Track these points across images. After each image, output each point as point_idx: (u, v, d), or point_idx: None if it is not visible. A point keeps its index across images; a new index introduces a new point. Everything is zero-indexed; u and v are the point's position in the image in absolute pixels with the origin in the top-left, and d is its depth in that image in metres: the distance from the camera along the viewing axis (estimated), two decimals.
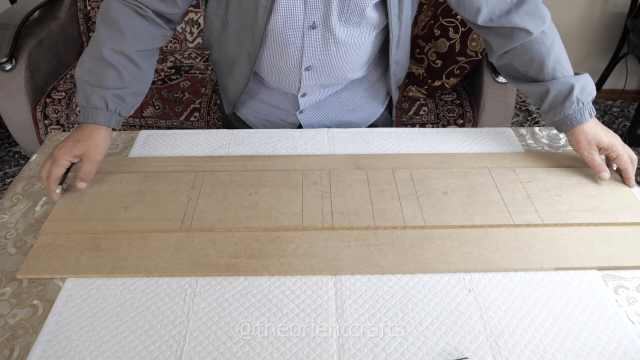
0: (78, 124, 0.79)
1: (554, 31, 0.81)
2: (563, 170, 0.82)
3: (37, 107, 1.71)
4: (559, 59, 0.81)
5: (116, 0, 0.79)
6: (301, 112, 0.97)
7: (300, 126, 1.00)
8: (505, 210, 0.73)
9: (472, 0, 0.80)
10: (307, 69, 0.86)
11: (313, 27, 0.80)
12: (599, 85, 2.41)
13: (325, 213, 0.72)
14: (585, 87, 0.79)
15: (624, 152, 0.78)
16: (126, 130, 0.91)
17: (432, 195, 0.75)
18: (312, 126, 1.00)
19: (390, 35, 0.85)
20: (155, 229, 0.70)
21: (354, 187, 0.77)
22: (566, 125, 0.80)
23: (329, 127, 1.00)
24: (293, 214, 0.72)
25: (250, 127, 1.04)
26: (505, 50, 0.84)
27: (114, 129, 0.80)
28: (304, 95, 0.93)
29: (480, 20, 0.82)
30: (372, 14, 0.81)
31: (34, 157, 0.88)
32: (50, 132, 1.70)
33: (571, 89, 0.78)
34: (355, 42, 0.85)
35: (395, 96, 1.06)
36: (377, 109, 1.05)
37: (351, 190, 0.77)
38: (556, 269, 0.64)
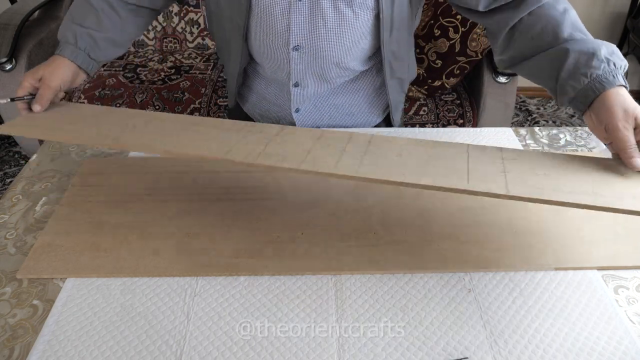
0: None
1: (568, 3, 0.71)
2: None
3: None
4: (576, 23, 0.68)
5: None
6: (297, 110, 0.95)
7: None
8: (465, 178, 0.58)
9: None
10: (296, 48, 0.84)
11: None
12: None
13: None
14: (616, 52, 0.65)
15: None
16: None
17: (383, 157, 0.62)
18: (308, 127, 0.99)
19: (381, 15, 0.80)
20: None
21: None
22: (595, 90, 0.62)
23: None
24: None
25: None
26: (513, 26, 0.73)
27: (88, 74, 0.83)
28: (296, 84, 0.90)
29: (481, 5, 0.75)
30: None
31: (34, 157, 0.88)
32: None
33: (597, 48, 0.64)
34: (345, 23, 0.81)
35: (398, 107, 1.01)
36: (374, 119, 1.02)
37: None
38: (556, 269, 0.64)
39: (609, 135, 0.62)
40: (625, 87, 0.62)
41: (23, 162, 2.10)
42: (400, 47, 0.90)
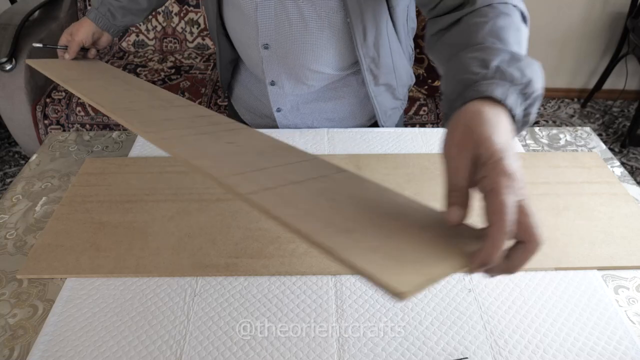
0: None
1: (515, 19, 0.54)
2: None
3: (37, 107, 1.71)
4: (496, 31, 0.51)
5: None
6: (278, 110, 0.94)
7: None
8: (242, 175, 0.47)
9: None
10: (265, 46, 0.82)
11: None
12: (598, 85, 2.41)
13: None
14: (524, 67, 0.46)
15: (510, 193, 0.36)
16: (126, 130, 0.91)
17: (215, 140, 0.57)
18: (289, 127, 0.97)
19: (349, 20, 0.76)
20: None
21: None
22: (459, 99, 0.45)
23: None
24: None
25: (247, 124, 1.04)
26: (440, 31, 0.61)
27: (113, 36, 0.98)
28: (272, 83, 0.89)
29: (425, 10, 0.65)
30: None
31: (34, 157, 0.88)
32: (50, 132, 1.70)
33: (494, 54, 0.47)
34: (309, 26, 0.78)
35: (388, 114, 0.96)
36: (359, 126, 0.98)
37: None
38: (556, 269, 0.64)
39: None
40: (501, 102, 0.43)
41: (23, 162, 2.10)
42: (381, 53, 0.84)
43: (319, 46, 0.81)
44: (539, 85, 0.45)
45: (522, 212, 0.37)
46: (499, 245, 0.36)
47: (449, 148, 0.41)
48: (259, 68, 0.88)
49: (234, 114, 1.08)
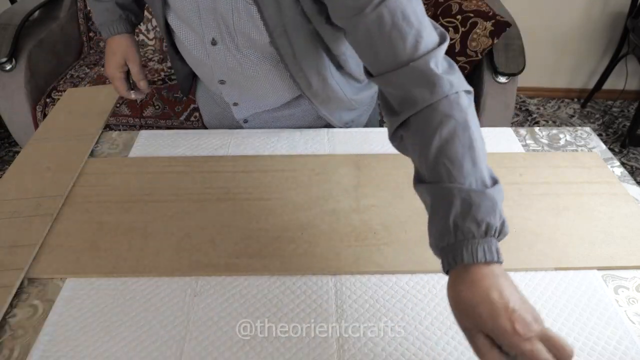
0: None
1: (464, 116, 0.51)
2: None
3: (37, 107, 1.71)
4: (446, 150, 0.49)
5: None
6: (245, 121, 0.94)
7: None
8: None
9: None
10: (222, 82, 0.82)
11: (214, 43, 0.74)
12: (598, 85, 2.41)
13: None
14: (475, 211, 0.46)
15: (527, 341, 0.40)
16: (126, 130, 0.91)
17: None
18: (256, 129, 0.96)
19: (288, 73, 0.75)
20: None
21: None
22: (444, 264, 0.48)
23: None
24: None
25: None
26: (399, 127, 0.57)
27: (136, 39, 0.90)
28: (235, 104, 0.89)
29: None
30: (260, 42, 0.71)
31: None
32: None
33: (449, 205, 0.47)
34: (258, 68, 0.78)
35: (356, 121, 0.94)
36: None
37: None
38: (556, 269, 0.64)
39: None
40: (491, 259, 0.44)
41: None
42: (330, 92, 0.83)
43: (270, 82, 0.81)
44: (496, 219, 0.46)
45: (546, 339, 0.41)
46: None
47: (460, 323, 0.45)
48: (219, 93, 0.88)
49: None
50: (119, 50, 0.85)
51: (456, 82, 0.54)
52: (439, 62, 0.55)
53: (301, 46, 0.71)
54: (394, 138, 0.59)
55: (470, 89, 0.56)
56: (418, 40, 0.54)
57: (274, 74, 0.80)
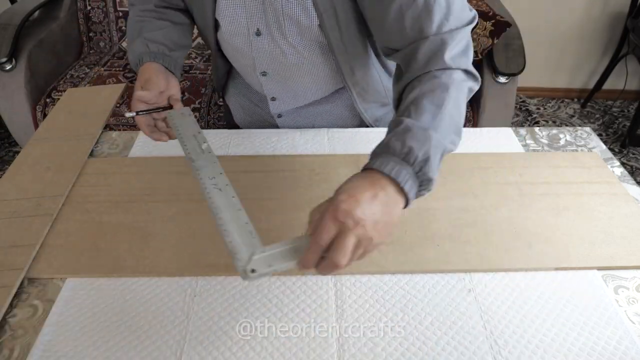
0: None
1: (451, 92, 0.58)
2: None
3: (37, 107, 1.71)
4: (418, 100, 0.57)
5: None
6: (280, 116, 0.95)
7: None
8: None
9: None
10: (263, 74, 0.84)
11: (258, 33, 0.76)
12: (598, 85, 2.41)
13: None
14: (409, 134, 0.51)
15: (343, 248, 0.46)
16: (126, 130, 0.91)
17: None
18: (289, 127, 0.98)
19: (333, 57, 0.79)
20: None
21: None
22: (368, 163, 0.52)
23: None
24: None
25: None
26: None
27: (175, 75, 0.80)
28: (273, 99, 0.91)
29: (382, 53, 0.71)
30: (309, 27, 0.73)
31: None
32: None
33: (394, 126, 0.54)
34: (303, 60, 0.80)
35: (382, 118, 0.96)
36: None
37: None
38: (556, 269, 0.64)
39: None
40: (388, 176, 0.49)
41: None
42: (370, 82, 0.87)
43: (313, 71, 0.84)
44: (421, 150, 0.51)
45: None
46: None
47: (323, 210, 0.50)
48: (259, 87, 0.90)
49: (228, 113, 1.09)
50: (153, 77, 0.75)
51: (463, 63, 0.61)
52: (458, 42, 0.61)
53: (349, 28, 0.74)
54: (394, 104, 0.67)
55: (476, 73, 0.63)
56: (447, 17, 0.61)
57: (318, 62, 0.82)
